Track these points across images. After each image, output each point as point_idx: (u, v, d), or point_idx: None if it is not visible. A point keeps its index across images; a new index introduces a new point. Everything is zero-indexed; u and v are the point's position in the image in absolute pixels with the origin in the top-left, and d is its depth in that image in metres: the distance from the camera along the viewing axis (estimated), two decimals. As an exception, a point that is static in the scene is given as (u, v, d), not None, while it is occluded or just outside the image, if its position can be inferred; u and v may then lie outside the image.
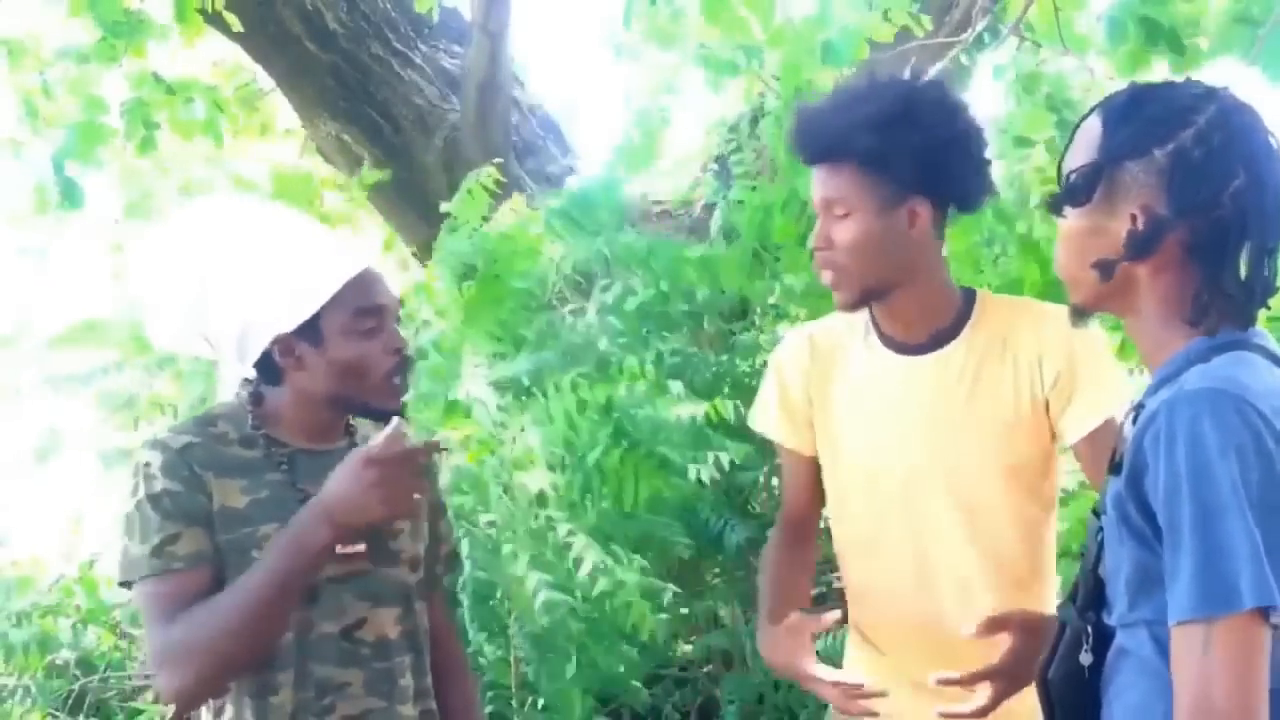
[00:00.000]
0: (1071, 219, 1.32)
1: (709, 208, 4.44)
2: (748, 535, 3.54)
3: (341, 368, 1.61)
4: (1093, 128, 1.31)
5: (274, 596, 1.51)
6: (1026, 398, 1.73)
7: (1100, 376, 1.73)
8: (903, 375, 1.81)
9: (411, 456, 1.53)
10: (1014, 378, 1.74)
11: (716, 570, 4.06)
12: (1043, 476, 1.80)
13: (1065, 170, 1.32)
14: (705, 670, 3.94)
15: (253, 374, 1.66)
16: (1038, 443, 1.77)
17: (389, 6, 4.53)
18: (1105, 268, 1.28)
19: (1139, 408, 1.27)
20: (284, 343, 1.60)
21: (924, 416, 1.78)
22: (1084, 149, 1.31)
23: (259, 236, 1.63)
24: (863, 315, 1.85)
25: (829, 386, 1.88)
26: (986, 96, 4.60)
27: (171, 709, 1.56)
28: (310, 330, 1.60)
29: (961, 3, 4.01)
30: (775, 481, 4.10)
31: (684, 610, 3.87)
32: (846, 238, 1.73)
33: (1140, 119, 1.27)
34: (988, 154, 1.78)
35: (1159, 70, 3.12)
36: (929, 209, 1.73)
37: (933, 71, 3.79)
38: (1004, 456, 1.75)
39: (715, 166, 4.96)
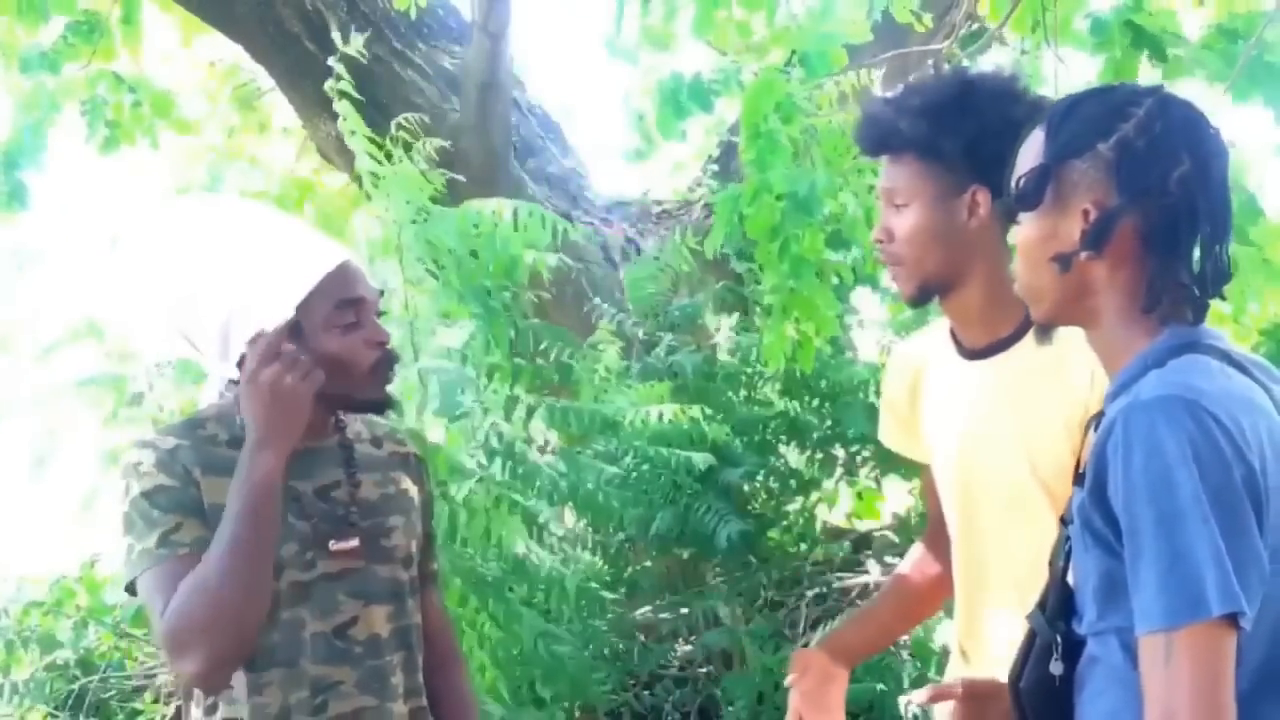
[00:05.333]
0: (1026, 226, 1.33)
1: (709, 208, 4.45)
2: (741, 530, 3.55)
3: (324, 362, 1.61)
4: (1035, 136, 1.33)
5: (249, 539, 1.51)
6: (1079, 413, 1.64)
7: None
8: (966, 381, 1.79)
9: (273, 348, 1.55)
10: (1062, 392, 1.68)
11: (717, 569, 4.07)
12: None
13: (1014, 178, 1.33)
14: (705, 670, 3.94)
15: (237, 374, 1.66)
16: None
17: (389, 6, 4.52)
18: (1063, 260, 1.29)
19: (1099, 416, 1.27)
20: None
21: (976, 424, 1.76)
22: (1030, 156, 1.32)
23: (237, 236, 1.63)
24: (947, 323, 1.84)
25: (921, 397, 1.89)
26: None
27: (172, 709, 1.56)
28: (291, 326, 1.60)
29: (961, 3, 4.01)
30: (774, 482, 4.12)
31: (684, 610, 3.89)
32: (904, 228, 1.73)
33: (1081, 117, 1.29)
34: None
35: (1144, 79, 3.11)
36: (989, 199, 1.70)
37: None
38: (1050, 470, 1.69)
39: (715, 166, 4.97)
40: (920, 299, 1.78)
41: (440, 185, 3.15)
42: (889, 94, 1.82)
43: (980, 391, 1.77)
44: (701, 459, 3.31)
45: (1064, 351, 1.60)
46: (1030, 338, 1.67)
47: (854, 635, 2.01)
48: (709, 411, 3.53)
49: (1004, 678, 1.43)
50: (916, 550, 2.04)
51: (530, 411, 3.10)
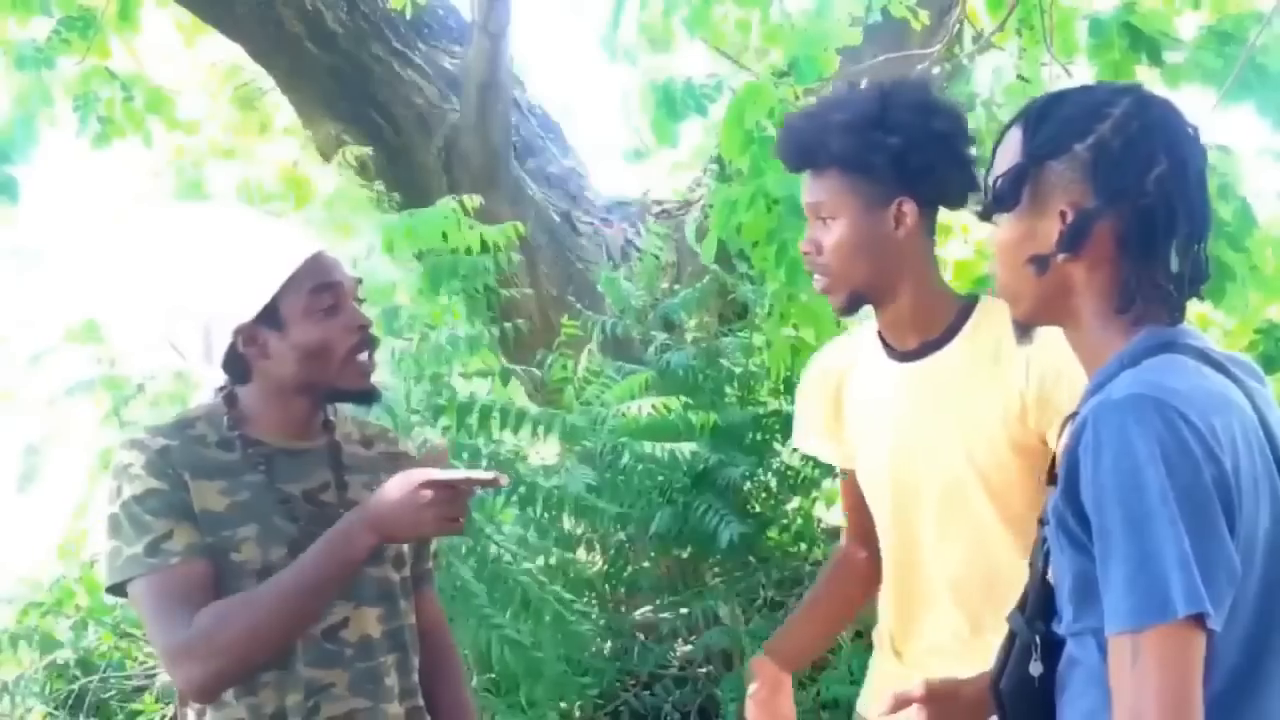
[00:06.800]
0: (1003, 228, 1.32)
1: (709, 208, 4.44)
2: (742, 532, 3.55)
3: (305, 350, 1.61)
4: (1013, 135, 1.32)
5: (309, 599, 1.53)
6: (1016, 406, 1.70)
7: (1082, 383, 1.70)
8: (896, 382, 1.81)
9: (468, 485, 1.54)
10: (997, 384, 1.71)
11: (716, 569, 4.07)
12: (1034, 483, 1.73)
13: (991, 179, 1.32)
14: (705, 670, 3.94)
15: (223, 377, 1.66)
16: (1026, 449, 1.72)
17: (389, 6, 4.53)
18: (1040, 262, 1.28)
19: (1073, 416, 1.26)
20: (246, 332, 1.61)
21: (909, 423, 1.78)
22: (1007, 156, 1.31)
23: (208, 237, 1.64)
24: (874, 327, 1.86)
25: (845, 400, 1.90)
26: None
27: (171, 709, 1.56)
28: (271, 316, 1.61)
29: (957, 4, 4.01)
30: (772, 480, 4.12)
31: (684, 610, 3.88)
32: (831, 241, 1.74)
33: (1058, 118, 1.28)
34: (972, 150, 1.78)
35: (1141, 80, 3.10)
36: (915, 209, 1.73)
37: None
38: (988, 464, 1.72)
39: (715, 166, 4.96)
40: (850, 309, 1.81)
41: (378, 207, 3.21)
42: (810, 110, 1.84)
43: (913, 391, 1.79)
44: (688, 449, 3.31)
45: (999, 344, 1.65)
46: (961, 336, 1.75)
47: (793, 639, 2.01)
48: (689, 402, 3.54)
49: (942, 673, 1.44)
50: (840, 550, 2.05)
51: (504, 417, 3.13)
